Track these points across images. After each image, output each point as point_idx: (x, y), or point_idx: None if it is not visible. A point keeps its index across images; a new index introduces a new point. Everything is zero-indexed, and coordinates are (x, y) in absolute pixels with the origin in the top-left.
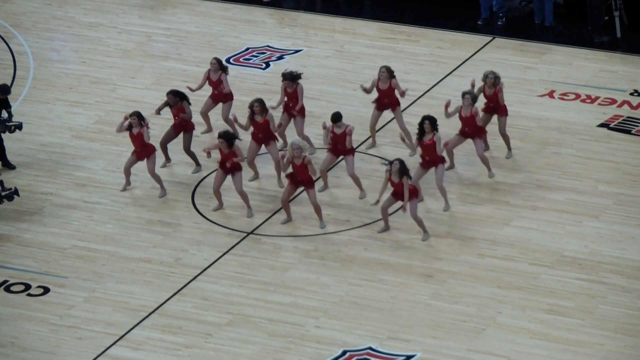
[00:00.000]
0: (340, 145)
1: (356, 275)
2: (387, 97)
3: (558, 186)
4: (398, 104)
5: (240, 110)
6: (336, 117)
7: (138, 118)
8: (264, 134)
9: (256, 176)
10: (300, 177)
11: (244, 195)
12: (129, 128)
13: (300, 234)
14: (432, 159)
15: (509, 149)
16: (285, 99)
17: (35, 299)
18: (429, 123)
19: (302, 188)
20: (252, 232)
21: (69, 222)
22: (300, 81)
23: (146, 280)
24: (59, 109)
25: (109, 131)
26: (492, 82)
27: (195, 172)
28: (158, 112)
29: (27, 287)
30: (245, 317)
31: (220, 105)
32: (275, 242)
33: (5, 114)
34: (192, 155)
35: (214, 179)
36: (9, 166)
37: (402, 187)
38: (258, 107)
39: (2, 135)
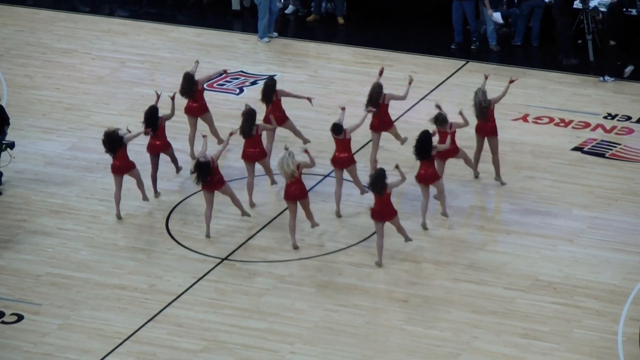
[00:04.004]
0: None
1: (331, 301)
2: (382, 116)
3: (532, 210)
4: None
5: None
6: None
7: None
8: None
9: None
10: None
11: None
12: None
13: (274, 260)
14: None
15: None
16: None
17: (9, 327)
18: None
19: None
20: (226, 258)
21: (43, 249)
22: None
23: (121, 307)
24: (32, 135)
25: (83, 157)
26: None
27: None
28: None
29: (1, 314)
30: (220, 344)
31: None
32: (249, 267)
33: None
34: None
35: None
36: None
37: (383, 204)
38: None
39: None
